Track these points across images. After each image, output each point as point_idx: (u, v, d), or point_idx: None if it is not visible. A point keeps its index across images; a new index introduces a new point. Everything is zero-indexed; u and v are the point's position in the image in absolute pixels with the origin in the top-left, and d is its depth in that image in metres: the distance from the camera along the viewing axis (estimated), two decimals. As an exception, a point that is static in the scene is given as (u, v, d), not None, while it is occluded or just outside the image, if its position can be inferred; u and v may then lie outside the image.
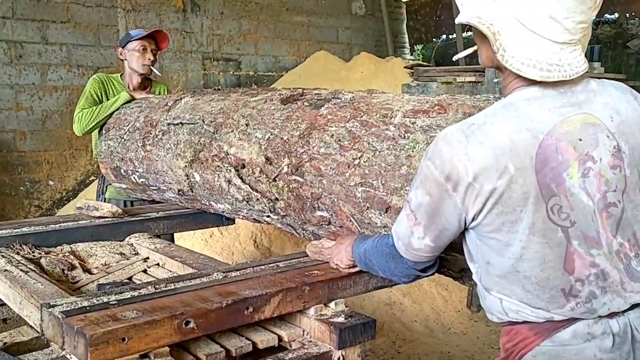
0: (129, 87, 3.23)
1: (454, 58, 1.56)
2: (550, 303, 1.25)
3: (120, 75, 3.30)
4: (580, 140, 1.23)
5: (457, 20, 1.30)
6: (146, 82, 3.33)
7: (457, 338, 3.96)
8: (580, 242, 1.23)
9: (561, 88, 1.25)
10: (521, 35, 1.20)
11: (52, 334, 1.46)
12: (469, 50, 1.42)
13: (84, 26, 5.87)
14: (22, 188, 5.70)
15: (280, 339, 1.64)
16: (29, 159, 5.70)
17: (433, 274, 1.52)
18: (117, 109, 3.07)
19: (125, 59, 3.23)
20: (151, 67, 3.21)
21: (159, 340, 1.39)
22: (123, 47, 3.23)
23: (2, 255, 2.08)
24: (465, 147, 1.21)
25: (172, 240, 3.01)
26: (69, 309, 1.44)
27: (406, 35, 8.79)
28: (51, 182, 5.86)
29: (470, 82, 4.72)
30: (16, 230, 2.33)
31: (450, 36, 7.02)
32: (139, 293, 1.56)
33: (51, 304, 1.48)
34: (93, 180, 5.80)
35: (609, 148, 1.25)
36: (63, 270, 2.09)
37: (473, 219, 1.25)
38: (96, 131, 3.18)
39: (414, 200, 1.31)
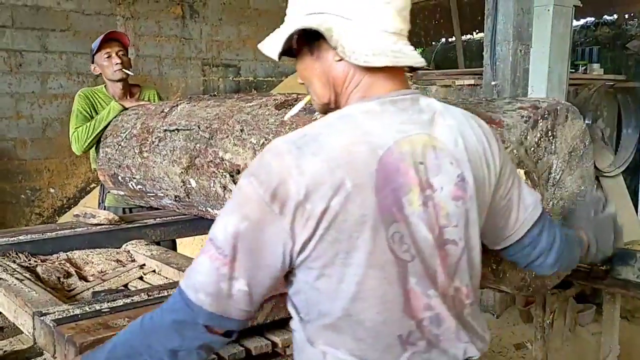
0: (114, 97, 3.17)
1: (285, 118, 1.43)
2: (385, 353, 1.08)
3: (105, 87, 3.25)
4: (421, 164, 1.07)
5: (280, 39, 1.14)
6: (133, 89, 3.28)
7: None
8: (418, 281, 1.07)
9: (402, 105, 1.11)
10: (353, 31, 1.08)
11: (44, 343, 1.46)
12: (301, 104, 1.32)
13: (83, 34, 5.88)
14: (23, 196, 5.72)
15: (274, 345, 1.62)
16: (29, 167, 5.73)
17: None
18: (111, 121, 3.05)
19: (100, 73, 3.20)
20: (123, 70, 3.13)
21: (151, 347, 1.38)
22: (93, 62, 3.20)
23: (-2, 264, 2.08)
24: (297, 159, 1.02)
25: (174, 247, 3.00)
26: (60, 317, 1.44)
27: (406, 39, 8.77)
28: (52, 190, 5.88)
29: (469, 85, 4.71)
30: (13, 239, 2.32)
31: (450, 40, 7.02)
32: (132, 300, 1.57)
33: (43, 312, 1.49)
34: (94, 188, 5.82)
35: (452, 177, 1.10)
36: (59, 278, 2.08)
37: (301, 251, 1.03)
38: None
39: (222, 233, 1.04)
